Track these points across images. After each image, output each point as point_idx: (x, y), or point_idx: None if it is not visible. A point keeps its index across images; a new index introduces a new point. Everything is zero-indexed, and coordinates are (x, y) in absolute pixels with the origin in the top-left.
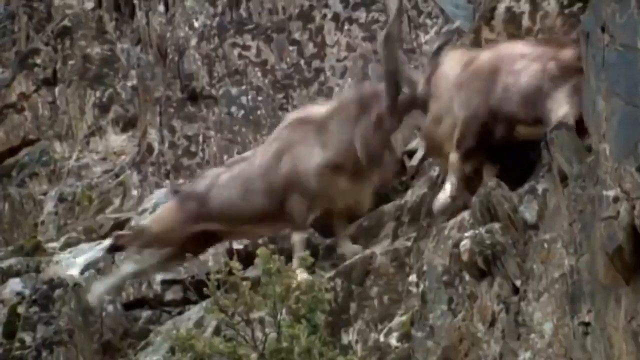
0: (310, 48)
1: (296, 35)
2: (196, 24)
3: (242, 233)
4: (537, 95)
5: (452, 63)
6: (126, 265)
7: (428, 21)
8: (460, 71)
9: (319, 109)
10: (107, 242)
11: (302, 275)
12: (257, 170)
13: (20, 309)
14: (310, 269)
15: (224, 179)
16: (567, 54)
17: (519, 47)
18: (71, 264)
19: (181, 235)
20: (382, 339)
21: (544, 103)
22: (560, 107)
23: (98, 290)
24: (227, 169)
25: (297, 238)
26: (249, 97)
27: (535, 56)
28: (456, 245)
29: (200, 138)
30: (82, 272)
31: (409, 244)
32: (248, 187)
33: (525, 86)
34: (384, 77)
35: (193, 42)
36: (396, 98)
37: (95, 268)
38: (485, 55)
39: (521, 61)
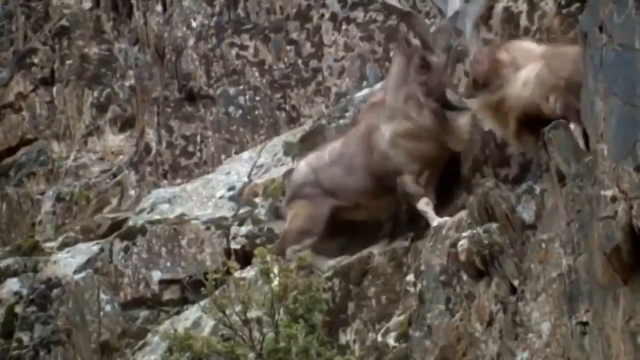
0: (307, 48)
1: (294, 35)
2: (194, 24)
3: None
4: None
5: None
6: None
7: (426, 21)
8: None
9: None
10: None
11: None
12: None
13: (18, 309)
14: (308, 269)
15: (326, 161)
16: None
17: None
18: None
19: (323, 212)
20: (379, 338)
21: None
22: None
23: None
24: (322, 152)
25: (422, 206)
26: (247, 97)
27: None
28: (454, 245)
29: (198, 138)
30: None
31: (406, 243)
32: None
33: None
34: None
35: (191, 42)
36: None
37: (93, 267)
38: None
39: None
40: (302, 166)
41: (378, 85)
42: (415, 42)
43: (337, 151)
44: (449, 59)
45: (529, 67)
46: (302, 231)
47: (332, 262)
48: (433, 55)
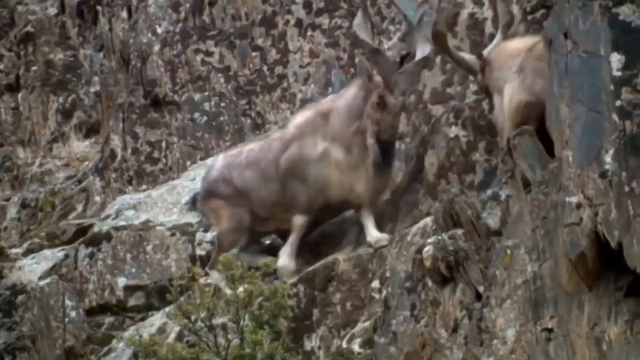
0: (273, 54)
1: (259, 42)
2: (159, 30)
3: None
4: None
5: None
6: None
7: (391, 27)
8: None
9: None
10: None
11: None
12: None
13: None
14: (273, 275)
15: (242, 161)
16: None
17: None
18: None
19: (245, 213)
20: (344, 345)
21: None
22: None
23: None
24: (240, 151)
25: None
26: (212, 103)
27: None
28: (419, 251)
29: (163, 144)
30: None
31: (371, 250)
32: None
33: None
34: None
35: (156, 48)
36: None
37: (58, 274)
38: None
39: None
40: (219, 160)
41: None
42: (378, 78)
43: (255, 154)
44: (405, 103)
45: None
46: (234, 233)
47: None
48: (392, 96)
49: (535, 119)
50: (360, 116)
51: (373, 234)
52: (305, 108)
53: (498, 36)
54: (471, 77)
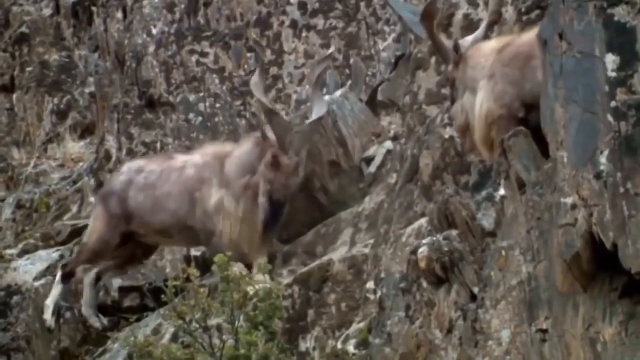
0: (268, 55)
1: (252, 43)
2: (154, 31)
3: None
4: None
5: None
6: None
7: (386, 28)
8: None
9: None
10: (57, 276)
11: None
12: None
13: None
14: (268, 276)
15: (140, 182)
16: None
17: None
18: (29, 270)
19: (115, 238)
20: (339, 345)
21: None
22: None
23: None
24: (144, 168)
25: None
26: (207, 104)
27: None
28: (414, 252)
29: (158, 145)
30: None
31: (366, 250)
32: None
33: None
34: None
35: (151, 48)
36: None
37: (53, 274)
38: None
39: None
40: (123, 173)
41: (338, 93)
42: (272, 137)
43: (154, 178)
44: (300, 163)
45: (479, 91)
46: (95, 253)
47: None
48: (285, 156)
49: (504, 129)
50: (252, 171)
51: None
52: (206, 145)
53: (479, 31)
54: None
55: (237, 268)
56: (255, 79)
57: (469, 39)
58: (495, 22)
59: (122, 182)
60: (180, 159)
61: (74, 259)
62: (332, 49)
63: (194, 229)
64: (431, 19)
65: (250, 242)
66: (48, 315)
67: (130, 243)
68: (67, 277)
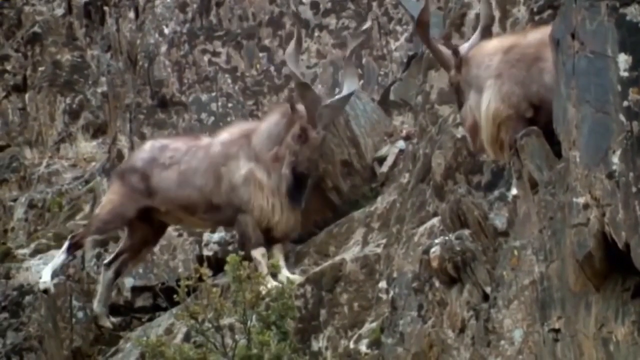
0: (280, 55)
1: (266, 42)
2: (166, 31)
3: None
4: None
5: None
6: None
7: (398, 28)
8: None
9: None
10: (65, 245)
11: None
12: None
13: None
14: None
15: (166, 159)
16: None
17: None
18: (41, 270)
19: (131, 211)
20: (352, 345)
21: None
22: None
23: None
24: (168, 146)
25: (257, 255)
26: (219, 103)
27: None
28: (426, 251)
29: None
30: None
31: (379, 250)
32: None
33: None
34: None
35: (163, 48)
36: None
37: (65, 274)
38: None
39: None
40: (146, 151)
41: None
42: (302, 109)
43: (179, 156)
44: (325, 138)
45: (486, 91)
46: (106, 223)
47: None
48: (314, 130)
49: (513, 130)
50: (279, 142)
51: (285, 274)
52: (233, 124)
53: (475, 36)
54: None
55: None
56: (290, 51)
57: (466, 45)
58: (490, 26)
59: (145, 159)
60: (206, 139)
61: (83, 230)
62: (368, 23)
63: (220, 208)
64: (425, 28)
65: (280, 213)
66: (47, 277)
67: (141, 224)
68: (73, 247)
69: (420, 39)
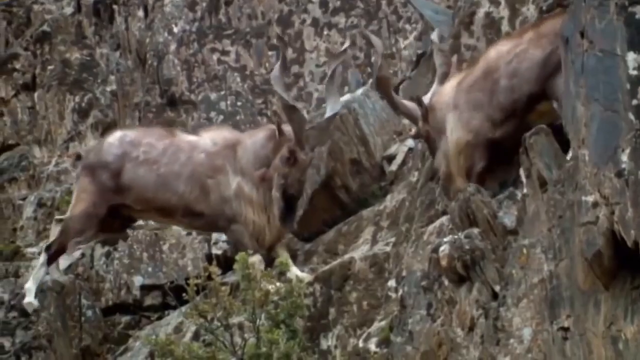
0: (289, 53)
1: (275, 41)
2: (175, 30)
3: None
4: (551, 60)
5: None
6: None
7: (407, 26)
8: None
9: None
10: (42, 258)
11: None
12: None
13: None
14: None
15: (139, 156)
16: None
17: (504, 44)
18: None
19: (103, 210)
20: (361, 344)
21: (558, 66)
22: None
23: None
24: (140, 141)
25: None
26: (228, 102)
27: (533, 34)
28: (435, 250)
29: None
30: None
31: (388, 249)
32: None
33: (539, 55)
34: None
35: (172, 47)
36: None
37: (74, 273)
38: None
39: (518, 46)
40: (115, 145)
41: (360, 91)
42: (289, 131)
43: (156, 154)
44: (311, 160)
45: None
46: (82, 224)
47: None
48: (302, 152)
49: (481, 157)
50: (266, 164)
51: (295, 272)
52: (214, 129)
53: (435, 84)
54: None
55: (256, 259)
56: (275, 73)
57: (428, 95)
58: (447, 75)
59: (115, 154)
60: (184, 138)
61: (58, 238)
62: (347, 44)
63: (203, 215)
64: (386, 86)
65: (270, 230)
66: (31, 298)
67: (107, 218)
68: (52, 258)
69: (382, 95)
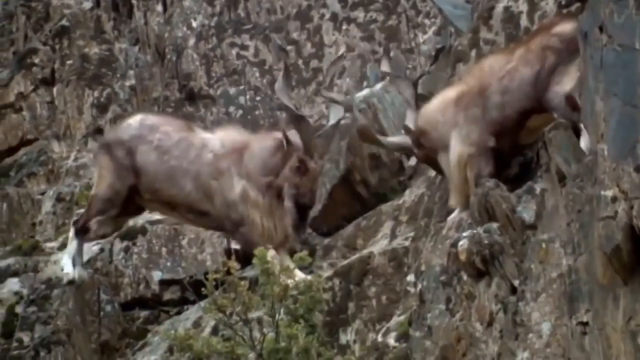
0: (308, 48)
1: (294, 35)
2: (194, 24)
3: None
4: (541, 76)
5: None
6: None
7: (426, 21)
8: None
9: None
10: (71, 232)
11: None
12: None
13: (18, 309)
14: (308, 269)
15: (153, 141)
16: (567, 27)
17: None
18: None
19: (124, 189)
20: (380, 338)
21: (550, 79)
22: (569, 81)
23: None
24: (158, 127)
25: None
26: (247, 97)
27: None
28: (454, 245)
29: None
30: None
31: (407, 243)
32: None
33: (529, 74)
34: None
35: (191, 42)
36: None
37: (93, 267)
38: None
39: (509, 63)
40: (134, 126)
41: (378, 86)
42: (297, 141)
43: (169, 145)
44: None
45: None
46: (105, 202)
47: None
48: (312, 161)
49: (487, 163)
50: (274, 173)
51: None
52: (227, 128)
53: (410, 112)
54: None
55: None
56: (279, 84)
57: (409, 123)
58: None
59: (132, 134)
60: (199, 135)
61: (85, 213)
62: (342, 50)
63: (209, 214)
64: (368, 134)
65: (278, 236)
66: (69, 269)
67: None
68: (80, 232)
69: (369, 143)
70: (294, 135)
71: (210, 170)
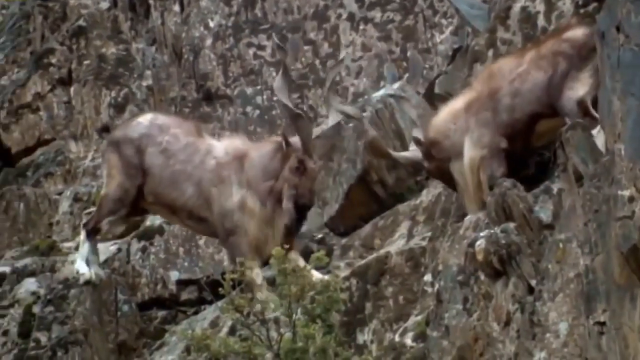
0: (325, 48)
1: (311, 35)
2: (211, 24)
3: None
4: (553, 81)
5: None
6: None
7: (443, 21)
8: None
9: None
10: (82, 235)
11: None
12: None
13: (36, 309)
14: (326, 269)
15: (162, 142)
16: (578, 32)
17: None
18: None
19: (133, 188)
20: (397, 338)
21: (563, 85)
22: (581, 86)
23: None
24: (168, 128)
25: (253, 275)
26: (264, 97)
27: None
28: (471, 244)
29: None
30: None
31: (424, 243)
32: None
33: (541, 78)
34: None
35: (208, 42)
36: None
37: (110, 267)
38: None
39: (520, 66)
40: (144, 124)
41: (395, 86)
42: (296, 142)
43: (176, 148)
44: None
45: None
46: (115, 202)
47: None
48: (311, 160)
49: (499, 164)
50: (274, 177)
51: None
52: (230, 138)
53: (417, 130)
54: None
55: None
56: (278, 83)
57: (418, 135)
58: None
59: (142, 133)
60: (206, 142)
61: (95, 214)
62: (343, 55)
63: (207, 221)
64: (378, 147)
65: (272, 245)
66: (85, 269)
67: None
68: (91, 234)
69: (379, 157)
70: (292, 137)
71: (211, 177)
